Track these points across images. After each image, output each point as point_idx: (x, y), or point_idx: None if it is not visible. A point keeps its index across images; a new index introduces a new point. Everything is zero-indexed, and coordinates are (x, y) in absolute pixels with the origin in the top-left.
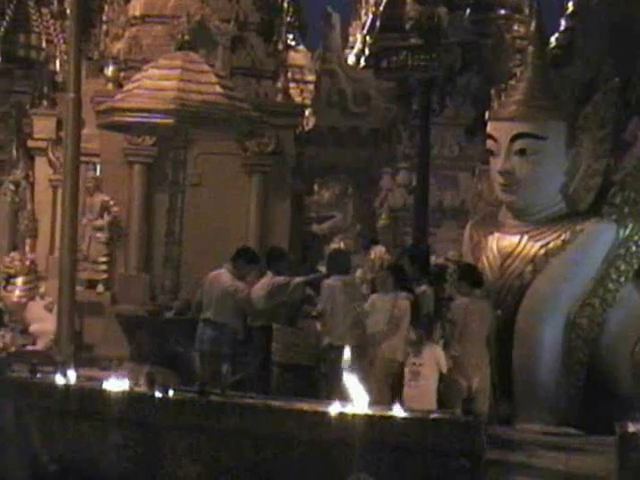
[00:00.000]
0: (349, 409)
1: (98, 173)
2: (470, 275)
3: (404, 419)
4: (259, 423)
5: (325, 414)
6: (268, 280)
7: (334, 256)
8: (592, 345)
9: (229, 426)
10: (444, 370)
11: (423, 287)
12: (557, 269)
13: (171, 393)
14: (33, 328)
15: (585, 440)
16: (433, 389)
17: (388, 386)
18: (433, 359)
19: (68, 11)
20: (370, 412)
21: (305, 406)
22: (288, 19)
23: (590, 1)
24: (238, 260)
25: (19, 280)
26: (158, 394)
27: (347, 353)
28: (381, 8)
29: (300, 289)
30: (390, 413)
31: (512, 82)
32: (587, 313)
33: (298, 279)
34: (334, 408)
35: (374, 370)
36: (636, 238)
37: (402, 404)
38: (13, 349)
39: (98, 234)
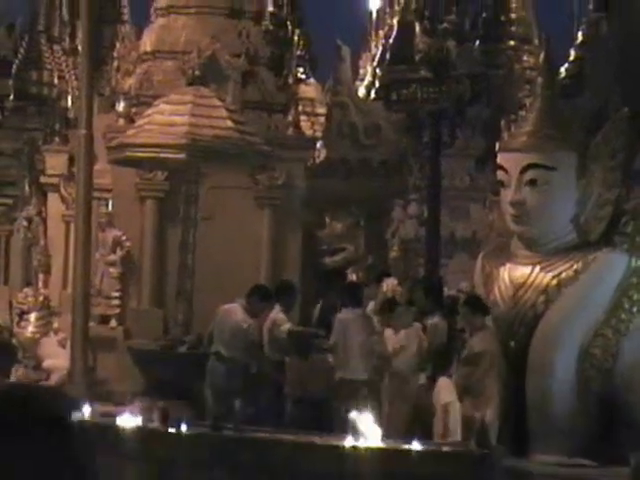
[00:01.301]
0: (363, 443)
1: (110, 208)
2: (480, 306)
3: (418, 452)
4: (272, 457)
5: (338, 448)
6: (273, 315)
7: (347, 289)
8: (606, 375)
9: (243, 460)
10: (449, 400)
11: (435, 319)
12: (570, 299)
13: (185, 428)
14: (46, 364)
15: (600, 471)
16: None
17: (413, 421)
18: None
19: (79, 48)
20: (383, 445)
21: (318, 440)
22: (298, 52)
23: (599, 31)
24: (252, 297)
25: (32, 316)
26: (172, 429)
27: None
28: (391, 41)
29: (284, 335)
30: (404, 446)
31: (522, 113)
32: (600, 343)
33: (285, 326)
34: (347, 442)
35: (402, 405)
36: None
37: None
38: None
39: (111, 269)
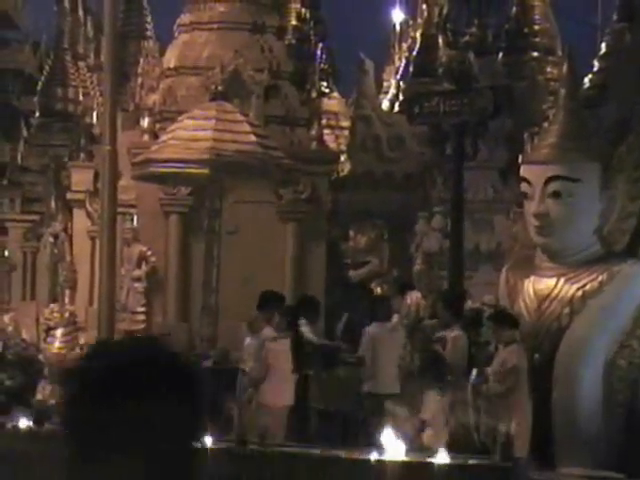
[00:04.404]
0: (387, 456)
1: (135, 224)
2: (508, 320)
3: (443, 466)
4: (297, 471)
5: (363, 461)
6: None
7: (376, 303)
8: (632, 387)
9: (267, 475)
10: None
11: (455, 332)
12: (594, 311)
13: (210, 442)
14: None
15: None
16: None
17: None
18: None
19: (104, 64)
20: (408, 459)
21: (343, 454)
22: (321, 66)
23: (623, 42)
24: (265, 306)
25: (59, 332)
26: None
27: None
28: (414, 54)
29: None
30: (428, 460)
31: (545, 125)
32: (626, 354)
33: (311, 339)
34: (372, 455)
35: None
36: None
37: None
38: (53, 401)
39: (136, 284)
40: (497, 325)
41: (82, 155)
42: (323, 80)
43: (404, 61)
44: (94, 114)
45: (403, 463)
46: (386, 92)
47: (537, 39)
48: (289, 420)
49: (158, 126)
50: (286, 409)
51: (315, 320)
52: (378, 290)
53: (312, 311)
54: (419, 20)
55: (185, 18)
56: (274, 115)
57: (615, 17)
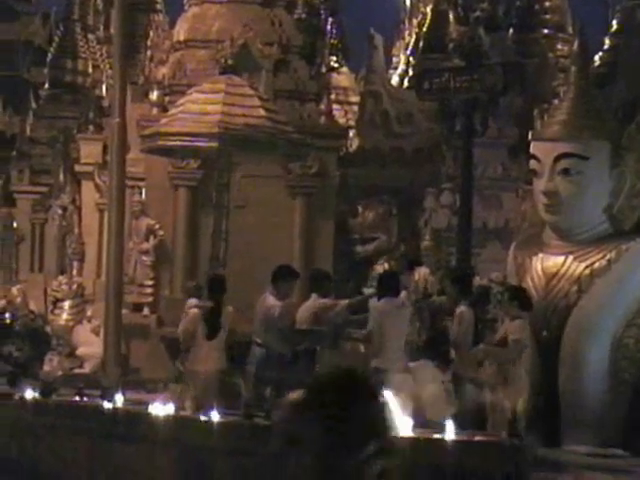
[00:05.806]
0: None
1: (143, 197)
2: (519, 297)
3: (450, 442)
4: None
5: None
6: (312, 302)
7: (384, 278)
8: (638, 365)
9: (273, 448)
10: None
11: (462, 308)
12: (602, 289)
13: (216, 416)
14: (80, 351)
15: (632, 461)
16: None
17: None
18: None
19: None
20: (415, 435)
21: None
22: (331, 41)
23: (634, 20)
24: (277, 280)
25: (66, 304)
26: (203, 417)
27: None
28: (424, 29)
29: (344, 313)
30: (436, 436)
31: (555, 102)
32: (633, 333)
33: (343, 302)
34: None
35: None
36: None
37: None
38: (60, 372)
39: (144, 257)
40: (509, 298)
41: (91, 127)
42: (333, 55)
43: (414, 37)
44: (103, 86)
45: (410, 439)
46: (396, 68)
47: (548, 16)
48: (217, 386)
49: (167, 99)
50: (205, 374)
51: (327, 294)
52: (386, 266)
53: (323, 285)
54: None
55: None
56: (283, 89)
57: None
